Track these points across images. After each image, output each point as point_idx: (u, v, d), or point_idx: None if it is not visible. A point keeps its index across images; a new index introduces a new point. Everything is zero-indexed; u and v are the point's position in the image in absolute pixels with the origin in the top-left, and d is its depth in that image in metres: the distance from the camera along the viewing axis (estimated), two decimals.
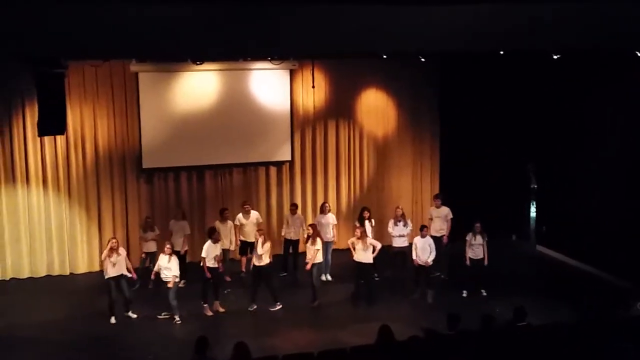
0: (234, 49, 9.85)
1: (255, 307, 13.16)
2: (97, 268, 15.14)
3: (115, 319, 12.55)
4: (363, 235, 13.38)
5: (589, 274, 14.99)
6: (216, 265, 12.98)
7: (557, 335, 9.63)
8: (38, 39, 8.37)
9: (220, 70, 15.45)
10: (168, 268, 12.53)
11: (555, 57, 12.61)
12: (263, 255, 12.97)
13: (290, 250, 15.24)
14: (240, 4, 8.12)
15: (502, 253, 14.97)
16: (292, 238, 15.15)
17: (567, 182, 15.80)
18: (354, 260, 13.46)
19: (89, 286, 14.43)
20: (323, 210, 14.96)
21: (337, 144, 16.70)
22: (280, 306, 13.18)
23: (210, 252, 12.92)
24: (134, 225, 15.37)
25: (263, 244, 12.96)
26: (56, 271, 15.17)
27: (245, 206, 14.81)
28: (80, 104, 14.86)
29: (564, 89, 15.48)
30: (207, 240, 13.09)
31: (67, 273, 15.23)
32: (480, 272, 13.69)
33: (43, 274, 15.10)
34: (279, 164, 16.36)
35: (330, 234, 14.73)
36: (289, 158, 16.32)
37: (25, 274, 14.98)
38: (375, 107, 16.83)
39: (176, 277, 12.60)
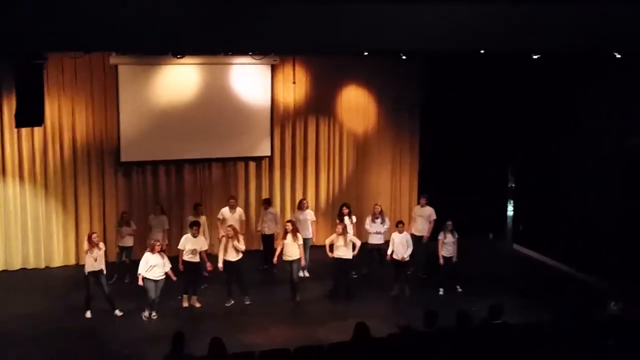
0: (218, 43, 9.81)
1: (232, 302, 13.12)
2: (73, 262, 15.06)
3: (91, 313, 12.44)
4: (344, 232, 13.37)
5: (565, 273, 15.11)
6: (195, 260, 12.91)
7: (533, 334, 9.69)
8: (18, 30, 8.28)
9: (201, 64, 15.36)
10: (163, 265, 12.38)
11: (534, 57, 12.64)
12: (238, 250, 12.95)
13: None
14: None
15: (479, 252, 15.02)
16: (265, 233, 15.08)
17: (550, 181, 15.83)
18: (331, 257, 13.46)
19: (64, 280, 14.31)
20: (301, 207, 14.93)
21: (317, 140, 16.67)
22: (249, 302, 13.13)
23: (186, 245, 12.86)
24: (111, 219, 15.22)
25: (238, 240, 12.96)
26: (31, 264, 15.01)
27: (231, 201, 14.71)
28: (59, 95, 14.69)
29: (559, 89, 15.39)
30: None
31: (43, 266, 15.07)
32: (454, 270, 13.74)
33: (18, 267, 14.93)
34: (258, 159, 16.30)
35: (308, 230, 14.70)
36: (268, 153, 16.28)
37: None
38: (356, 104, 16.82)
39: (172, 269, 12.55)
